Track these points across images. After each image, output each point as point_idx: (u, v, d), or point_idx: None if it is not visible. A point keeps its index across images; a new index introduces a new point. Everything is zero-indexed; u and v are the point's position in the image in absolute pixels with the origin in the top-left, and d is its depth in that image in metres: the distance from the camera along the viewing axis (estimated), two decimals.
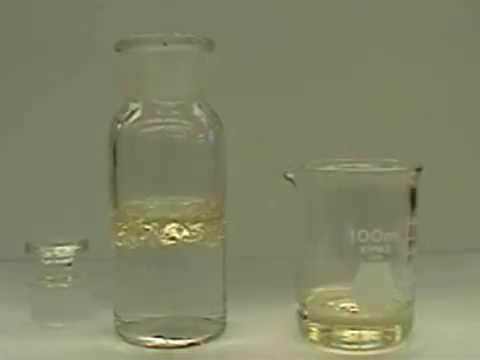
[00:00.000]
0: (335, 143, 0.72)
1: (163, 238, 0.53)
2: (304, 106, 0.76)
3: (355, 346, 0.52)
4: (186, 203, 0.54)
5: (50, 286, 0.59)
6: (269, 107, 0.75)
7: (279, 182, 0.54)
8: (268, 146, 0.75)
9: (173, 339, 0.53)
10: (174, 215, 0.53)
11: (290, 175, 0.54)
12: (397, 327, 0.53)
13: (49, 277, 0.59)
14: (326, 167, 0.54)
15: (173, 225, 0.53)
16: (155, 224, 0.53)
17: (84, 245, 0.59)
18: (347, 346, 0.52)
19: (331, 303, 0.53)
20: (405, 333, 0.53)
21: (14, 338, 0.55)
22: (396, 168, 0.54)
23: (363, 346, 0.52)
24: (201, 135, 0.54)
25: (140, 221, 0.53)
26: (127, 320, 0.55)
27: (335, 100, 0.76)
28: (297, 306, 0.54)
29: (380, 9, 0.77)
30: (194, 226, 0.53)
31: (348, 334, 0.52)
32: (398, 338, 0.53)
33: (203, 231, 0.54)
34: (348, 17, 0.77)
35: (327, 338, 0.52)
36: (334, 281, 0.53)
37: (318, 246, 0.53)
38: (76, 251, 0.59)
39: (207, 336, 0.54)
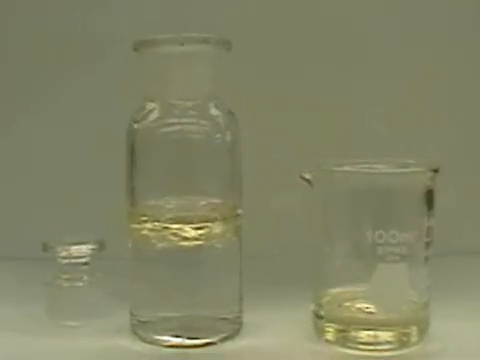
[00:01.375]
0: (352, 143, 0.72)
1: (180, 238, 0.53)
2: (321, 105, 0.76)
3: (371, 347, 0.52)
4: (203, 203, 0.54)
5: (66, 285, 0.59)
6: (286, 106, 0.75)
7: (295, 182, 0.54)
8: (285, 146, 0.75)
9: (189, 338, 0.53)
10: (191, 215, 0.53)
11: (307, 175, 0.54)
12: (413, 328, 0.52)
13: (65, 276, 0.59)
14: (343, 167, 0.54)
15: (190, 225, 0.53)
16: (172, 223, 0.53)
17: (100, 244, 0.59)
18: (363, 347, 0.52)
19: (347, 304, 0.53)
20: (421, 334, 0.53)
21: (31, 336, 0.56)
22: (413, 169, 0.54)
23: (379, 347, 0.52)
24: (218, 135, 0.54)
25: (157, 220, 0.53)
26: (143, 319, 0.55)
27: (353, 100, 0.76)
28: (313, 306, 0.54)
29: (399, 7, 0.77)
30: (211, 226, 0.53)
31: (364, 335, 0.52)
32: (414, 339, 0.53)
33: (220, 231, 0.54)
34: (368, 16, 0.77)
35: (343, 338, 0.52)
36: (350, 282, 0.53)
37: (335, 246, 0.53)
38: (92, 250, 0.59)
39: (223, 336, 0.54)
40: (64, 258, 0.59)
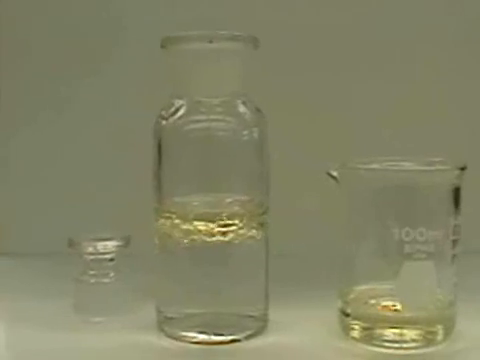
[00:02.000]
0: (379, 140, 0.72)
1: (206, 235, 0.53)
2: (349, 104, 0.76)
3: (396, 345, 0.52)
4: (230, 200, 0.54)
5: (92, 281, 0.59)
6: (313, 104, 0.76)
7: (322, 179, 0.55)
8: (312, 143, 0.75)
9: (215, 335, 0.53)
10: (218, 212, 0.53)
11: (334, 173, 0.54)
12: (439, 327, 0.52)
13: (91, 272, 0.59)
14: (370, 165, 0.54)
15: (216, 222, 0.53)
16: (199, 221, 0.53)
17: (126, 241, 0.60)
18: (388, 344, 0.52)
19: (373, 301, 0.53)
20: (447, 333, 0.53)
21: (57, 331, 0.56)
22: (440, 167, 0.54)
23: (404, 345, 0.52)
24: (245, 132, 0.54)
25: (183, 217, 0.53)
26: (169, 315, 0.55)
27: (379, 97, 0.77)
28: (339, 304, 0.54)
29: (426, 7, 0.77)
30: (237, 223, 0.53)
31: (390, 333, 0.52)
32: (440, 338, 0.52)
33: (246, 228, 0.54)
34: (394, 14, 0.77)
35: (369, 336, 0.52)
36: (377, 279, 0.53)
37: (361, 244, 0.53)
38: (118, 246, 0.59)
39: (249, 333, 0.54)
40: (90, 254, 0.59)
